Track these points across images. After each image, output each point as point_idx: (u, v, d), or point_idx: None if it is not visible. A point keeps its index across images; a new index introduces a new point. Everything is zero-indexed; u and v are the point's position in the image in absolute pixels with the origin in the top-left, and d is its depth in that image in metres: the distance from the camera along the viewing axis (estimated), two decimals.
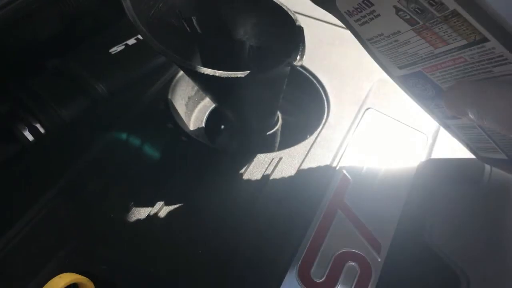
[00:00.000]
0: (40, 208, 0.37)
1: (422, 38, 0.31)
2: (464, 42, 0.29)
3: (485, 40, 0.28)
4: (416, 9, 0.29)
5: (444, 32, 0.30)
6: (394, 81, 0.38)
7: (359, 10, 0.33)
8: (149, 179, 0.40)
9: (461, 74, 0.31)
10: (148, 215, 0.38)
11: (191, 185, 0.40)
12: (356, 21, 0.34)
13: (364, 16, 0.33)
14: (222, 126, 0.53)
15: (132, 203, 0.38)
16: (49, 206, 0.38)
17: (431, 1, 0.28)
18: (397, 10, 0.30)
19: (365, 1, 0.31)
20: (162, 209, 0.38)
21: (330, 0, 0.34)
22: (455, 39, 0.29)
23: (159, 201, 0.39)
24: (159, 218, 0.38)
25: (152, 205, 0.38)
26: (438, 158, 0.45)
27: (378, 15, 0.32)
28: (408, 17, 0.30)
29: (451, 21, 0.28)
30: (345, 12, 0.34)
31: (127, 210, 0.37)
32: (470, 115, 0.29)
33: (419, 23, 0.30)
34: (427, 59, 0.32)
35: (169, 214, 0.38)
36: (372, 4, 0.31)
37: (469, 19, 0.27)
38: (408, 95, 0.38)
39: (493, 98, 0.28)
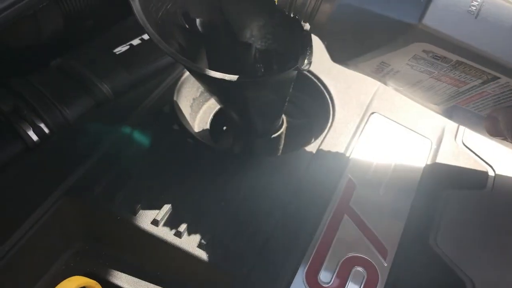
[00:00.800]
0: (45, 210, 0.37)
1: (444, 82, 0.34)
2: (480, 81, 0.32)
3: (497, 77, 0.31)
4: (426, 64, 0.32)
5: (459, 76, 0.32)
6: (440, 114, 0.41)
7: (379, 70, 0.35)
8: (156, 180, 0.40)
9: (492, 103, 0.34)
10: (155, 217, 0.37)
11: (196, 187, 0.40)
12: (381, 77, 0.37)
13: (387, 73, 0.35)
14: (224, 128, 0.53)
15: (139, 205, 0.38)
16: (54, 207, 0.37)
17: (435, 57, 0.31)
18: (411, 66, 0.33)
19: (382, 64, 0.34)
20: (168, 211, 0.38)
21: (352, 62, 0.36)
22: (471, 79, 0.32)
23: (166, 203, 0.38)
24: (165, 220, 0.38)
25: (159, 207, 0.38)
26: (442, 164, 0.45)
27: (398, 71, 0.34)
28: (422, 69, 0.33)
29: (459, 68, 0.31)
30: (369, 72, 0.37)
31: (134, 212, 0.37)
32: (508, 138, 0.33)
33: (434, 72, 0.33)
34: (456, 96, 0.35)
35: (175, 215, 0.38)
36: (389, 65, 0.34)
37: (473, 64, 0.30)
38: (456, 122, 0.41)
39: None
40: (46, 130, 0.44)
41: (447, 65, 0.32)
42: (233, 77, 0.36)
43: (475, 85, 0.32)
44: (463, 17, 0.29)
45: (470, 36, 0.29)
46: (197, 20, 0.43)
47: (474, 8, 0.29)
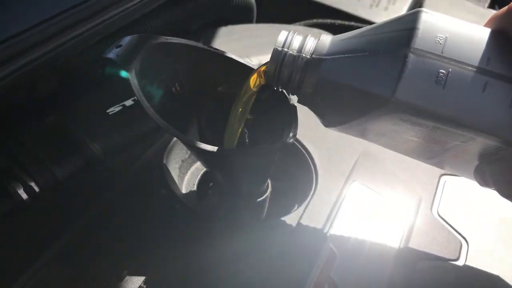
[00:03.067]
0: (32, 274, 0.37)
1: (428, 142, 0.36)
2: (460, 140, 0.34)
3: (473, 138, 0.32)
4: (407, 129, 0.34)
5: (439, 137, 0.34)
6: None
7: (366, 134, 0.38)
8: (143, 246, 0.41)
9: (478, 157, 0.35)
10: (141, 284, 0.38)
11: (182, 253, 0.41)
12: (370, 139, 0.40)
13: (374, 136, 0.38)
14: (211, 184, 0.54)
15: (125, 271, 0.38)
16: (41, 272, 0.38)
17: (413, 123, 0.33)
18: (394, 131, 0.35)
19: (366, 130, 0.37)
20: (154, 278, 0.39)
21: (339, 128, 0.39)
22: (452, 140, 0.34)
23: (152, 269, 0.39)
24: (153, 282, 0.39)
25: (146, 273, 0.39)
26: (418, 234, 0.47)
27: (384, 134, 0.37)
28: (405, 133, 0.35)
29: (438, 131, 0.33)
30: (357, 135, 0.40)
31: (121, 279, 0.38)
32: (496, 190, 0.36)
33: (416, 135, 0.35)
34: (443, 152, 0.37)
35: (161, 282, 0.39)
36: (373, 130, 0.37)
37: (448, 129, 0.32)
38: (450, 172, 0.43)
39: (496, 175, 0.35)
40: (36, 189, 0.45)
41: (426, 129, 0.33)
42: (219, 149, 0.38)
43: (457, 144, 0.34)
44: (431, 87, 0.31)
45: (439, 104, 0.31)
46: (190, 89, 0.46)
47: (441, 79, 0.31)
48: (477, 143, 0.33)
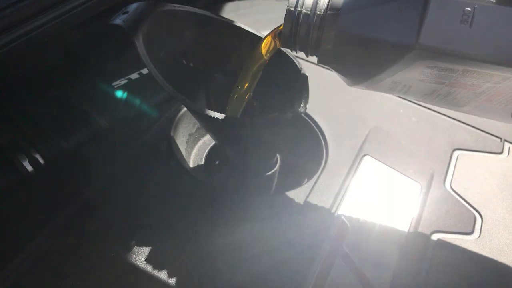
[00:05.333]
0: (38, 244, 0.37)
1: (459, 88, 0.33)
2: (493, 82, 0.32)
3: (508, 77, 0.31)
4: (435, 76, 0.32)
5: (470, 81, 0.32)
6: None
7: (393, 88, 0.36)
8: (151, 217, 0.40)
9: None
10: (149, 254, 0.37)
11: (191, 224, 0.41)
12: (397, 93, 0.37)
13: (401, 89, 0.36)
14: (217, 162, 0.53)
15: (133, 242, 0.38)
16: (47, 242, 0.37)
17: (441, 69, 0.31)
18: (422, 80, 0.33)
19: (393, 83, 0.34)
20: (163, 248, 0.38)
21: (364, 85, 0.37)
22: (483, 82, 0.32)
23: (160, 240, 0.39)
24: (160, 257, 0.38)
25: (154, 244, 0.38)
26: (431, 208, 0.46)
27: (411, 86, 0.35)
28: (434, 81, 0.33)
29: (468, 75, 0.31)
30: (384, 90, 0.37)
31: (129, 249, 0.37)
32: None
33: (445, 82, 0.33)
34: (475, 97, 0.35)
35: (170, 253, 0.38)
36: (400, 82, 0.34)
37: (479, 70, 0.30)
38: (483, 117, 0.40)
39: None
40: (42, 161, 0.44)
41: (455, 75, 0.32)
42: (231, 118, 0.37)
43: (490, 86, 0.32)
44: (457, 28, 0.29)
45: (468, 45, 0.29)
46: (197, 59, 0.45)
47: (466, 17, 0.29)
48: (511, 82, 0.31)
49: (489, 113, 0.37)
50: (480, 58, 0.29)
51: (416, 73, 0.32)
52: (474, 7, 0.29)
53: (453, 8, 0.29)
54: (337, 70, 0.37)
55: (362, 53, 0.33)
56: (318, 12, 0.34)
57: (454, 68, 0.31)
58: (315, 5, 0.34)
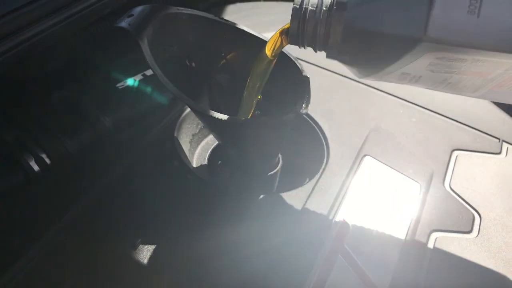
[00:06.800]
0: (46, 243, 0.38)
1: (469, 75, 0.33)
2: (503, 69, 0.32)
3: None
4: (445, 66, 0.32)
5: (480, 69, 0.32)
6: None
7: (403, 78, 0.35)
8: (155, 216, 0.41)
9: None
10: (154, 252, 0.38)
11: (195, 224, 0.41)
12: (408, 83, 0.37)
13: (411, 79, 0.36)
14: (219, 162, 0.54)
15: (139, 240, 0.38)
16: (55, 240, 0.38)
17: (450, 60, 0.31)
18: (432, 71, 0.33)
19: (403, 74, 0.34)
20: (167, 247, 0.39)
21: (374, 77, 0.37)
22: (493, 70, 0.32)
23: (165, 238, 0.39)
24: (164, 255, 0.39)
25: (158, 242, 0.39)
26: (431, 207, 0.47)
27: (420, 76, 0.35)
28: (443, 71, 0.33)
29: (478, 63, 0.31)
30: (394, 81, 0.37)
31: (134, 248, 0.38)
32: None
33: (455, 71, 0.33)
34: (486, 83, 0.35)
35: (173, 251, 0.39)
36: (409, 73, 0.34)
37: (489, 59, 0.30)
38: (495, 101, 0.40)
39: None
40: (48, 161, 0.45)
41: (464, 64, 0.32)
42: (233, 118, 0.37)
43: (500, 72, 0.32)
44: (464, 19, 0.29)
45: (476, 36, 0.29)
46: (201, 60, 0.45)
47: (473, 7, 0.28)
48: None
49: (501, 97, 0.37)
50: (489, 47, 0.29)
51: (425, 65, 0.32)
52: None
53: None
54: (346, 63, 0.37)
55: (370, 47, 0.34)
56: (324, 8, 0.34)
57: (463, 58, 0.31)
58: (321, 1, 0.34)
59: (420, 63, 0.32)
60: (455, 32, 0.29)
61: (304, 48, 0.37)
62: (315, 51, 0.37)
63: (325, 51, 0.36)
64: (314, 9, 0.34)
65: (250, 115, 0.44)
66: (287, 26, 0.36)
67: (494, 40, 0.29)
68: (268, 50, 0.39)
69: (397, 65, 0.33)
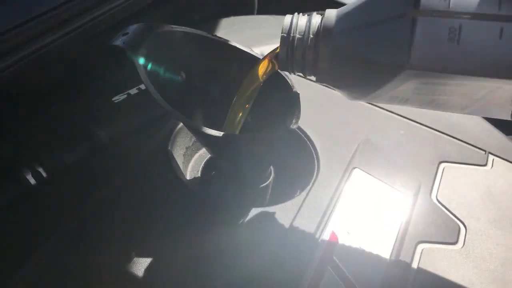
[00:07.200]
0: (42, 256, 0.39)
1: (456, 96, 0.34)
2: (486, 91, 0.33)
3: (499, 86, 0.31)
4: (431, 89, 0.33)
5: (465, 91, 0.33)
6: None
7: (392, 101, 0.37)
8: (150, 228, 0.42)
9: (511, 100, 0.34)
10: (148, 265, 0.39)
11: (188, 236, 0.43)
12: (397, 103, 0.38)
13: (400, 101, 0.37)
14: (213, 172, 0.55)
15: (133, 253, 0.39)
16: (51, 253, 0.39)
17: (435, 84, 0.32)
18: (418, 94, 0.34)
19: (391, 97, 0.36)
20: (161, 259, 0.40)
21: (364, 99, 0.38)
22: (478, 91, 0.33)
23: (159, 250, 0.40)
24: (158, 267, 0.40)
25: (153, 254, 0.40)
26: (418, 219, 0.48)
27: (408, 99, 0.36)
28: (430, 93, 0.34)
29: (462, 86, 0.32)
30: (384, 102, 0.38)
31: (129, 261, 0.39)
32: None
33: (441, 92, 0.34)
34: (474, 103, 0.35)
35: (169, 265, 0.40)
36: (397, 96, 0.36)
37: (472, 83, 0.31)
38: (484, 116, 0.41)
39: None
40: (44, 174, 0.46)
41: (449, 87, 0.32)
42: (225, 135, 0.39)
43: (485, 93, 0.33)
44: (445, 46, 0.30)
45: (457, 62, 0.30)
46: (195, 76, 0.47)
47: (453, 35, 0.29)
48: (505, 90, 0.32)
49: (490, 113, 0.38)
50: (470, 73, 0.30)
51: (411, 89, 0.33)
52: (460, 24, 0.30)
53: (440, 27, 0.30)
54: (336, 87, 0.38)
55: (357, 73, 0.35)
56: (311, 36, 0.35)
57: (447, 83, 0.32)
58: (308, 28, 0.35)
59: (406, 87, 0.33)
60: (436, 59, 0.30)
61: (294, 74, 0.38)
62: (305, 77, 0.38)
63: (315, 76, 0.38)
64: (302, 36, 0.35)
65: (238, 131, 0.45)
66: (277, 51, 0.37)
67: (474, 65, 0.30)
68: (259, 73, 0.40)
69: (384, 90, 0.34)
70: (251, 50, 0.46)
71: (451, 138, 0.58)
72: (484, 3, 0.30)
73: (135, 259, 0.40)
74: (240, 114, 0.44)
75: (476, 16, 0.30)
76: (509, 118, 0.37)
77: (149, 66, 0.41)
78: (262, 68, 0.40)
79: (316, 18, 0.36)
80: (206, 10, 0.75)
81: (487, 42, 0.30)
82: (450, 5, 0.30)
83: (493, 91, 0.32)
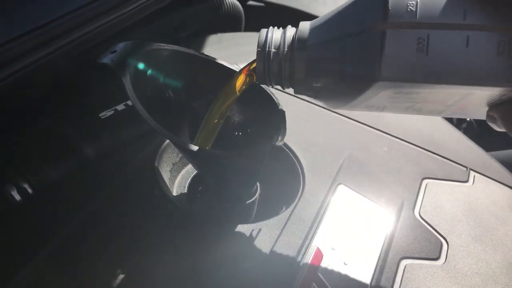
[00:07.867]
0: (27, 273, 0.38)
1: (430, 103, 0.35)
2: (458, 97, 0.33)
3: (470, 93, 0.32)
4: (404, 98, 0.34)
5: (438, 98, 0.34)
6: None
7: (369, 109, 0.37)
8: (136, 246, 0.42)
9: (484, 105, 0.35)
10: (135, 281, 0.39)
11: (175, 253, 0.43)
12: (375, 111, 0.39)
13: (377, 109, 0.38)
14: (200, 187, 0.55)
15: (119, 270, 0.39)
16: (37, 271, 0.39)
17: (407, 93, 0.33)
18: (393, 102, 0.35)
19: (367, 106, 0.37)
20: (147, 278, 0.40)
21: (343, 109, 0.39)
22: (450, 97, 0.34)
23: (145, 268, 0.41)
24: (143, 283, 0.40)
25: (139, 271, 0.40)
26: (401, 235, 0.49)
27: (385, 106, 0.37)
28: (404, 101, 0.35)
29: (434, 94, 0.33)
30: (362, 110, 0.39)
31: (115, 278, 0.39)
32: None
33: (415, 100, 0.35)
34: (447, 108, 0.36)
35: (153, 280, 0.40)
36: (373, 105, 0.36)
37: (442, 91, 0.32)
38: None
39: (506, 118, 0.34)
40: (30, 190, 0.46)
41: (422, 95, 0.33)
42: (211, 152, 0.39)
43: (458, 99, 0.34)
44: (414, 57, 0.30)
45: (426, 72, 0.30)
46: (182, 94, 0.47)
47: (422, 46, 0.30)
48: (476, 96, 0.33)
49: (467, 115, 0.39)
50: (439, 81, 0.31)
51: (385, 98, 0.34)
52: (428, 35, 0.30)
53: (409, 38, 0.31)
54: (314, 98, 0.39)
55: (332, 84, 0.36)
56: (286, 49, 0.36)
57: (420, 91, 0.33)
58: (283, 42, 0.36)
59: (380, 97, 0.34)
60: (406, 70, 0.31)
61: (272, 86, 0.39)
62: (283, 89, 0.39)
63: (292, 88, 0.39)
64: (277, 50, 0.36)
65: (210, 144, 0.45)
66: (254, 65, 0.38)
67: (443, 74, 0.31)
68: (236, 86, 0.41)
69: (359, 101, 0.35)
70: (238, 66, 0.47)
71: (433, 155, 0.60)
72: (450, 13, 0.30)
73: (121, 276, 0.40)
74: (215, 126, 0.44)
75: (442, 26, 0.30)
76: (484, 119, 0.38)
77: (136, 83, 0.41)
78: (239, 81, 0.41)
79: (290, 31, 0.37)
80: (195, 26, 0.76)
81: (454, 51, 0.30)
82: (418, 16, 0.31)
83: (465, 97, 0.33)
